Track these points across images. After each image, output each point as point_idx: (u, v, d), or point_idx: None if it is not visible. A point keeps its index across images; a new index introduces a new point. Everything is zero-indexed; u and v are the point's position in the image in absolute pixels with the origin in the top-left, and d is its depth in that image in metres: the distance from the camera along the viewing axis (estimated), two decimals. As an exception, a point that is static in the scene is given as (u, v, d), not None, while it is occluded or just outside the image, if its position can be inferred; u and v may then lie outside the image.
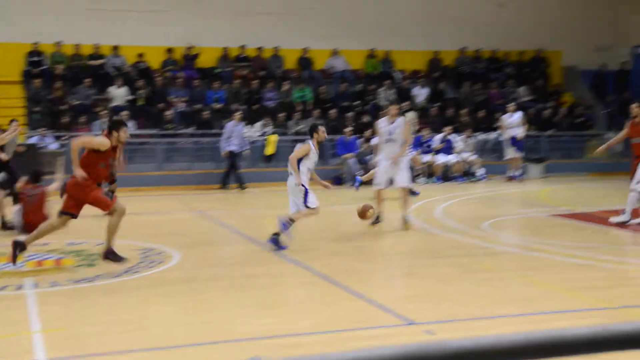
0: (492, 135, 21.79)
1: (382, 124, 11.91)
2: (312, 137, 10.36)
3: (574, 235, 11.43)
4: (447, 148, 20.09)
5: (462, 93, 23.56)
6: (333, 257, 9.85)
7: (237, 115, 18.64)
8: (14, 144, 13.71)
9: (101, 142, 8.90)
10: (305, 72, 22.96)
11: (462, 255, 9.90)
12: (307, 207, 10.07)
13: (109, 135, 8.97)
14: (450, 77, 24.23)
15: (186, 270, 8.96)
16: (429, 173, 19.86)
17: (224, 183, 18.38)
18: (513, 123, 19.83)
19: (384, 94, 22.58)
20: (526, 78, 24.47)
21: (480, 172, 20.14)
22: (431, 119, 21.84)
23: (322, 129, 10.54)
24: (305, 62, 23.17)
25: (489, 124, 22.17)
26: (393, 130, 11.79)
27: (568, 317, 6.90)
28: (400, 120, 11.85)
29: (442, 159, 19.76)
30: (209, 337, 6.21)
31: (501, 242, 10.93)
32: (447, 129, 20.23)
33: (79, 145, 8.89)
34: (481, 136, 21.60)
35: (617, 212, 12.72)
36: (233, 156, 18.30)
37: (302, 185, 10.11)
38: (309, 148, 10.27)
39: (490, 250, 10.27)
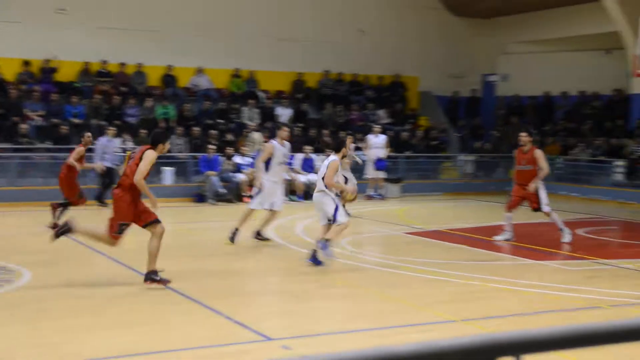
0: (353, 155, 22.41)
1: (277, 146, 12.15)
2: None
3: (426, 252, 11.97)
4: (309, 167, 20.48)
5: (324, 114, 24.11)
6: (193, 275, 9.85)
7: (111, 130, 18.18)
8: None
9: (153, 159, 8.84)
10: (169, 89, 22.77)
11: (320, 272, 10.15)
12: (336, 220, 10.22)
13: (154, 147, 8.85)
14: (313, 98, 24.75)
15: (36, 289, 8.68)
16: (291, 191, 20.15)
17: (100, 199, 17.77)
18: (378, 144, 20.47)
19: (248, 113, 22.76)
20: (385, 101, 25.38)
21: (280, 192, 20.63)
22: (294, 138, 22.18)
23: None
24: (169, 79, 22.98)
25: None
26: (287, 153, 12.28)
27: (416, 330, 7.27)
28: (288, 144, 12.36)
29: (303, 178, 20.12)
30: (63, 358, 6.08)
31: (358, 259, 11.29)
32: (308, 148, 20.63)
33: (145, 174, 8.70)
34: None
35: (469, 229, 13.44)
36: (109, 172, 17.81)
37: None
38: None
39: (347, 267, 10.59)
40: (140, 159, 8.80)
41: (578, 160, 22.24)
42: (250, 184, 18.06)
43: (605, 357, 4.06)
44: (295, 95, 24.47)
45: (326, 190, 10.38)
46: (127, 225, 8.91)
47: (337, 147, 10.68)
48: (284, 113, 23.45)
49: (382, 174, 20.54)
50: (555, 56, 25.76)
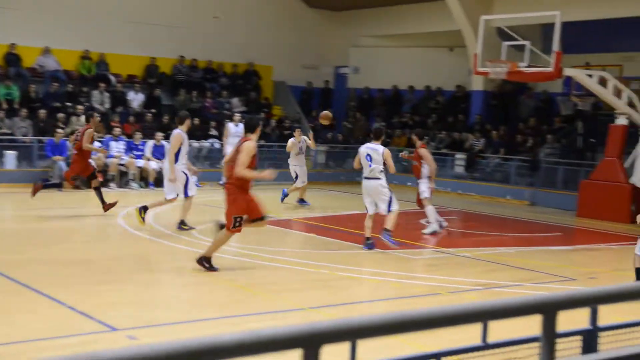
0: (206, 143, 22.25)
1: (184, 134, 12.28)
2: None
3: (277, 241, 12.14)
4: (161, 154, 20.10)
5: (178, 101, 23.75)
6: (36, 263, 9.49)
7: None
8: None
9: (252, 149, 8.97)
10: (12, 68, 21.60)
11: (171, 260, 10.07)
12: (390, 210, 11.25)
13: (250, 137, 9.06)
14: (167, 84, 24.33)
15: None
16: (142, 178, 19.73)
17: None
18: (238, 133, 20.41)
19: (98, 97, 22.03)
20: (240, 90, 25.35)
21: (193, 179, 20.40)
22: (147, 124, 21.75)
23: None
24: (12, 58, 21.81)
25: (204, 132, 22.61)
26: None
27: (265, 318, 7.39)
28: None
29: (154, 165, 19.73)
30: None
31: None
32: (160, 135, 20.25)
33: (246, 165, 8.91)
34: (195, 144, 21.95)
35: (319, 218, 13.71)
36: None
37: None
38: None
39: (197, 255, 10.54)
40: (238, 151, 8.96)
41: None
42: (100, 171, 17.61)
43: (432, 341, 4.31)
44: (148, 80, 23.95)
45: (383, 180, 11.24)
46: (242, 218, 9.03)
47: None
48: (136, 98, 22.90)
49: None
50: (403, 51, 26.71)
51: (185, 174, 12.47)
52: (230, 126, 20.55)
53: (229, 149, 20.46)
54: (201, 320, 7.15)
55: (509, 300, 2.28)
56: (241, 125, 20.66)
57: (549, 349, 2.32)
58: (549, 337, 2.31)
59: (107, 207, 13.77)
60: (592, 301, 2.48)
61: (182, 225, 12.52)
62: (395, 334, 2.07)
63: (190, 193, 12.49)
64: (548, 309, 2.31)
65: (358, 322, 1.98)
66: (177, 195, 12.55)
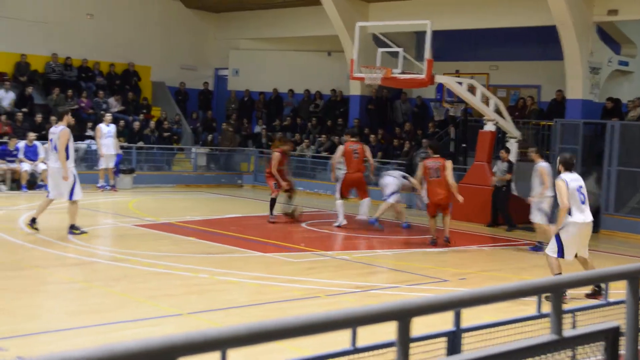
0: (82, 145, 21.60)
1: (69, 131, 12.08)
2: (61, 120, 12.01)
3: (155, 245, 11.97)
4: (34, 154, 19.35)
5: (51, 100, 22.92)
6: None
7: None
8: None
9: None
10: None
11: (42, 266, 9.76)
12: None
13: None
14: (39, 82, 23.43)
15: None
16: (13, 180, 18.93)
17: None
18: (110, 133, 19.96)
19: (-36, 95, 20.96)
20: (117, 90, 24.76)
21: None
22: (18, 124, 20.88)
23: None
24: None
25: (80, 133, 21.93)
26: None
27: (142, 324, 7.29)
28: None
29: (27, 166, 18.98)
30: None
31: (85, 252, 10.97)
32: (32, 135, 19.50)
33: None
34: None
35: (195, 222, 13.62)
36: None
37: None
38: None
39: (72, 261, 10.28)
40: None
41: (304, 155, 23.46)
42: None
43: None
44: (19, 78, 22.98)
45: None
46: None
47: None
48: (6, 97, 21.93)
49: (112, 164, 20.08)
50: (283, 55, 26.93)
51: (75, 176, 12.04)
52: (102, 127, 20.05)
53: (104, 150, 20.00)
54: (75, 328, 6.98)
55: (368, 308, 2.41)
56: (112, 126, 20.20)
57: (403, 353, 2.46)
58: (404, 342, 2.46)
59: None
60: (443, 307, 2.65)
61: (73, 229, 12.08)
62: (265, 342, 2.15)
63: (76, 197, 12.05)
64: (402, 316, 2.46)
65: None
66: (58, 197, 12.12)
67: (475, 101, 17.22)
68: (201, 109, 26.89)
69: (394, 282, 10.11)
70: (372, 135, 22.21)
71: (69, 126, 12.23)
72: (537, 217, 12.91)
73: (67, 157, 11.94)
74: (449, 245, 13.38)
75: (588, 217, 9.17)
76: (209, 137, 24.85)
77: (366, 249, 12.88)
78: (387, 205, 15.22)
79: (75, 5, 24.45)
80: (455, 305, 2.81)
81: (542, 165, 12.98)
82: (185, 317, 7.70)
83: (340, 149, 15.35)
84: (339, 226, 15.10)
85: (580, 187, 9.21)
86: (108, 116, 20.48)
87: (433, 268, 11.50)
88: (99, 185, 19.96)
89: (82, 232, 12.10)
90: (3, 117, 20.92)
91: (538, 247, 13.19)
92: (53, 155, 12.14)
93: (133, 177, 21.29)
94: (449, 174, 13.34)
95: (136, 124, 23.34)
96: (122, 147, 20.87)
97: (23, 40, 23.27)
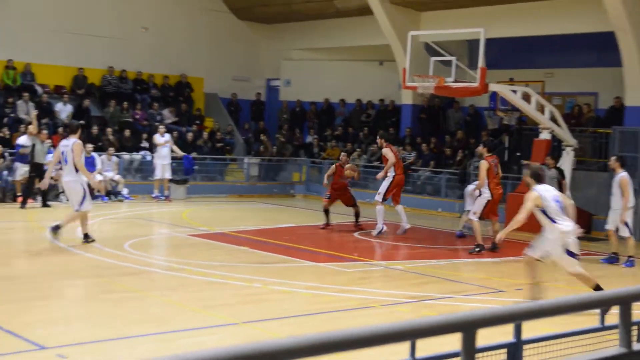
0: (137, 156, 21.96)
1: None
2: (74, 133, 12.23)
3: (209, 255, 12.07)
4: (91, 166, 19.71)
5: (107, 112, 23.38)
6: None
7: None
8: None
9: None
10: None
11: (101, 275, 9.92)
12: None
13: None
14: (96, 95, 23.92)
15: None
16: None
17: None
18: (166, 143, 20.32)
19: (24, 108, 21.49)
20: (171, 101, 25.12)
21: (124, 191, 20.17)
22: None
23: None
24: None
25: (135, 144, 22.32)
26: None
27: (200, 333, 7.35)
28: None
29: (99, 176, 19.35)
30: None
31: (141, 262, 11.13)
32: (89, 146, 19.89)
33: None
34: (126, 156, 21.65)
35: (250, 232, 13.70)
36: None
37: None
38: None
39: (129, 270, 10.43)
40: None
41: (356, 165, 23.38)
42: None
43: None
44: (77, 91, 23.50)
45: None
46: None
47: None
48: (64, 109, 22.44)
49: (167, 175, 20.32)
50: (335, 64, 26.97)
51: (84, 188, 12.20)
52: (157, 137, 20.38)
53: (158, 161, 20.30)
54: (133, 337, 7.07)
55: (433, 319, 2.37)
56: (167, 136, 20.48)
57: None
58: (469, 353, 2.42)
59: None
60: (509, 319, 2.60)
61: (54, 230, 12.17)
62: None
63: (84, 207, 12.15)
64: (468, 327, 2.41)
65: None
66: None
67: (530, 109, 16.97)
68: (253, 120, 27.10)
69: (449, 292, 10.00)
70: (424, 145, 22.06)
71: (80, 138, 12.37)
72: (624, 231, 12.62)
73: (77, 170, 12.06)
74: (496, 254, 13.24)
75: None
76: (261, 148, 25.01)
77: (419, 259, 12.77)
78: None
79: (130, 19, 24.91)
80: (522, 317, 2.75)
81: (623, 175, 12.57)
82: (241, 326, 7.73)
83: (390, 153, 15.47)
84: (379, 234, 15.04)
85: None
86: (162, 127, 20.79)
87: (487, 278, 11.34)
88: (153, 195, 20.25)
89: (56, 236, 12.07)
90: (60, 129, 21.39)
91: (613, 259, 12.89)
92: (66, 168, 12.25)
93: (186, 188, 21.54)
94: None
95: (189, 135, 23.64)
96: (175, 158, 21.13)
97: (80, 54, 23.79)
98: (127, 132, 22.42)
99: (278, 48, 27.87)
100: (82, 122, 20.96)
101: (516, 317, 2.72)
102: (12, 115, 21.28)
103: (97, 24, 24.22)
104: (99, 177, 18.76)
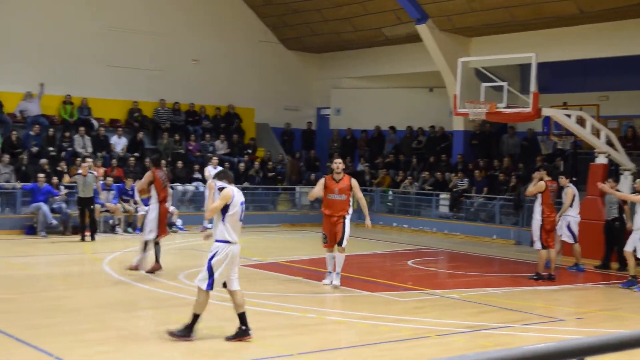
0: (190, 187, 22.23)
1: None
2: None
3: (263, 285, 12.08)
4: (147, 198, 19.98)
5: (160, 144, 23.77)
6: (20, 312, 9.38)
7: None
8: None
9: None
10: (-6, 114, 21.58)
11: (158, 307, 10.00)
12: None
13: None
14: (149, 127, 24.37)
15: None
16: (129, 223, 19.66)
17: None
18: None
19: (80, 141, 22.00)
20: (222, 132, 25.44)
21: (178, 222, 20.41)
22: (130, 168, 21.74)
23: None
24: (-6, 104, 21.78)
25: (188, 175, 22.61)
26: None
27: (255, 365, 7.33)
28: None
29: (143, 209, 19.64)
30: None
31: (195, 293, 11.15)
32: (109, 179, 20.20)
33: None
34: (180, 187, 21.94)
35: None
36: None
37: None
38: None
39: (185, 302, 10.47)
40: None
41: (407, 192, 23.31)
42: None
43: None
44: (132, 124, 23.97)
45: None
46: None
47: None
48: (119, 142, 22.89)
49: None
50: (384, 92, 27.00)
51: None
52: (209, 169, 20.54)
53: (205, 192, 20.45)
54: (191, 369, 7.08)
55: (546, 346, 2.37)
56: (219, 168, 20.61)
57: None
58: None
59: None
60: (621, 347, 2.54)
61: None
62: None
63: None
64: (578, 354, 2.40)
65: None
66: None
67: (585, 133, 16.69)
68: (304, 149, 27.23)
69: (506, 321, 9.80)
70: (477, 171, 21.85)
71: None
72: None
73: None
74: (553, 283, 12.96)
75: None
76: (312, 176, 25.07)
77: (475, 287, 12.57)
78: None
79: (181, 52, 25.38)
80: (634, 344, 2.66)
81: None
82: (296, 357, 7.69)
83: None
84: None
85: None
86: (214, 159, 20.99)
87: (545, 307, 11.10)
88: (205, 226, 20.38)
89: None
90: (114, 161, 21.81)
91: (632, 283, 12.64)
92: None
93: (239, 218, 21.63)
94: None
95: (241, 165, 23.85)
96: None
97: (134, 87, 24.31)
98: (179, 164, 22.73)
99: (328, 77, 28.05)
100: (136, 154, 21.44)
101: (629, 345, 2.65)
102: (69, 149, 21.79)
103: (150, 57, 24.73)
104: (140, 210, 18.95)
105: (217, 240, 8.07)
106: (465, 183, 21.69)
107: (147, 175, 12.73)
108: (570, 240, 14.73)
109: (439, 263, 16.36)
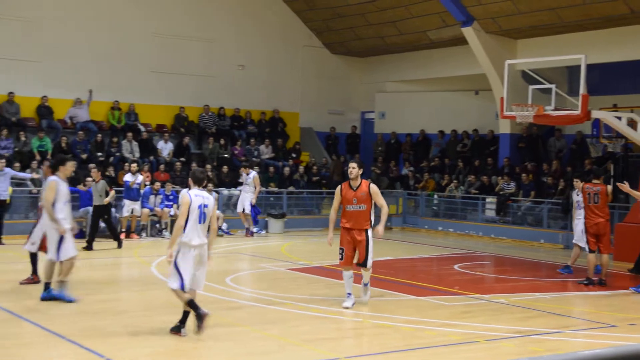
0: (235, 191, 22.36)
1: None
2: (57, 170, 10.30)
3: (309, 288, 12.09)
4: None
5: (206, 149, 23.99)
6: (73, 315, 9.54)
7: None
8: None
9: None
10: (44, 121, 22.01)
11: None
12: None
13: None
14: (195, 132, 24.61)
15: None
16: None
17: None
18: (248, 180, 20.45)
19: (128, 147, 22.33)
20: (267, 137, 25.57)
21: (224, 226, 20.54)
22: (177, 173, 21.97)
23: (70, 162, 10.53)
24: (44, 110, 22.23)
25: (233, 180, 22.77)
26: None
27: (302, 368, 7.32)
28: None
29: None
30: None
31: (242, 296, 11.26)
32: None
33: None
34: (225, 191, 22.09)
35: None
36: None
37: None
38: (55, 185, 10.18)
39: (232, 305, 10.56)
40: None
41: (453, 196, 23.11)
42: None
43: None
44: (179, 129, 24.23)
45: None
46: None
47: (55, 166, 10.37)
48: (165, 147, 23.16)
49: (248, 210, 20.25)
50: (430, 95, 26.83)
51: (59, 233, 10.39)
52: (243, 174, 20.53)
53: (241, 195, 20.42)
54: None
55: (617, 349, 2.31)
56: (252, 174, 20.44)
57: None
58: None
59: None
60: None
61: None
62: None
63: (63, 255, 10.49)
64: None
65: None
66: None
67: (636, 136, 16.35)
68: (349, 153, 27.21)
69: (556, 327, 9.63)
70: (524, 175, 21.55)
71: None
72: None
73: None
74: (604, 288, 12.70)
75: None
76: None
77: (523, 292, 12.39)
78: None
79: (227, 57, 25.59)
80: None
81: None
82: (343, 361, 7.67)
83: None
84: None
85: None
86: (245, 164, 20.93)
87: (596, 312, 10.89)
88: (251, 230, 20.43)
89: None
90: (162, 167, 22.06)
91: None
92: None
93: (284, 222, 21.75)
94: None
95: (286, 170, 23.93)
96: (272, 193, 21.33)
97: (180, 93, 24.59)
98: (225, 169, 22.90)
99: (372, 81, 28.01)
100: (182, 159, 21.63)
101: None
102: (117, 154, 22.12)
103: (195, 63, 25.00)
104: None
105: None
106: (512, 187, 21.42)
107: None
108: (583, 244, 13.63)
109: (485, 267, 16.16)
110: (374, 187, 10.65)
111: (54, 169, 10.42)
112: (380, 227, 10.53)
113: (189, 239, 8.36)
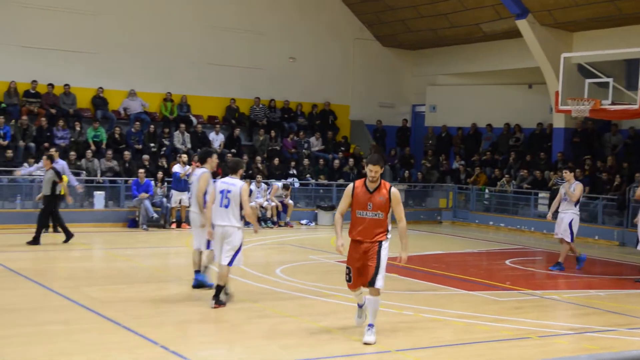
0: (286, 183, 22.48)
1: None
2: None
3: (359, 282, 12.05)
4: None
5: (256, 141, 24.13)
6: (126, 302, 9.72)
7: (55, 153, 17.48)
8: None
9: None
10: (99, 111, 22.41)
11: (256, 300, 10.15)
12: None
13: None
14: (246, 124, 24.77)
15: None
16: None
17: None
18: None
19: (180, 138, 22.59)
20: (317, 129, 25.60)
21: (275, 218, 20.68)
22: (227, 164, 22.15)
23: (215, 155, 11.18)
24: (99, 101, 22.62)
25: (283, 172, 22.88)
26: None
27: (354, 360, 7.35)
28: None
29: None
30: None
31: (292, 287, 11.31)
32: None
33: None
34: (277, 183, 22.20)
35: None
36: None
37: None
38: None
39: (282, 296, 10.62)
40: None
41: (505, 191, 22.83)
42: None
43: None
44: (230, 121, 24.42)
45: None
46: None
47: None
48: (216, 139, 23.37)
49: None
50: (481, 89, 26.51)
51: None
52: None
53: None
54: (290, 362, 7.16)
55: None
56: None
57: None
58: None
59: None
60: None
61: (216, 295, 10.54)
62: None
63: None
64: None
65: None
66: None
67: (695, 131, 15.91)
68: (399, 146, 27.08)
69: (611, 324, 9.46)
70: (578, 169, 21.14)
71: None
72: None
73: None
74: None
75: None
76: (406, 174, 24.89)
77: (577, 289, 12.20)
78: None
79: (278, 50, 25.67)
80: None
81: None
82: (394, 354, 7.66)
83: None
84: None
85: None
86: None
87: (653, 311, 10.66)
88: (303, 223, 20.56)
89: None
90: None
91: None
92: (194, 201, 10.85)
93: (333, 214, 21.74)
94: None
95: (336, 162, 23.93)
96: (322, 185, 21.41)
97: (231, 85, 24.78)
98: (276, 160, 23.02)
99: (423, 74, 27.81)
100: (233, 150, 21.79)
101: None
102: (169, 145, 22.40)
103: (247, 55, 25.12)
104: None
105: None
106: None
107: None
108: (567, 238, 13.87)
109: (537, 263, 15.94)
110: (395, 193, 8.20)
111: (202, 161, 10.80)
112: (404, 254, 8.38)
113: (213, 219, 9.62)
